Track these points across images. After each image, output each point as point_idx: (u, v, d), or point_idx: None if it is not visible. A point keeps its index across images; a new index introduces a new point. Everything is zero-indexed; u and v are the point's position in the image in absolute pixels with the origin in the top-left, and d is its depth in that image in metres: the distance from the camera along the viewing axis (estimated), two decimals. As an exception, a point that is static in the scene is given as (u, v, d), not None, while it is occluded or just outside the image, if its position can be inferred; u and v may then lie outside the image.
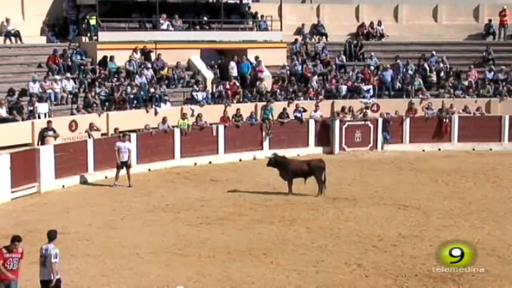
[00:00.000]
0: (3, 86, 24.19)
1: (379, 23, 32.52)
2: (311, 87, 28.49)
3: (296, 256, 15.19)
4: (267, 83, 28.25)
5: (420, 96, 28.98)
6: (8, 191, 19.75)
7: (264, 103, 26.92)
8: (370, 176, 23.21)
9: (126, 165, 21.52)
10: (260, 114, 26.59)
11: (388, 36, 32.48)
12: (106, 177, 22.54)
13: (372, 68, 29.89)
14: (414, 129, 27.57)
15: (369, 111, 27.81)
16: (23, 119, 22.82)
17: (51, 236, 12.28)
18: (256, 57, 28.64)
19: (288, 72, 28.99)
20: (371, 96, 28.61)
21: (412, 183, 22.27)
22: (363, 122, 27.28)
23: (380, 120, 27.25)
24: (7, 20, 26.66)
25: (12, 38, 26.64)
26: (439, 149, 27.60)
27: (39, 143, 22.06)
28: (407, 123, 27.66)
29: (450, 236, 16.24)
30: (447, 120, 27.71)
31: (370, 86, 28.90)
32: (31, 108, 23.23)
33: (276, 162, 20.68)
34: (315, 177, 20.37)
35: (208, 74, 28.17)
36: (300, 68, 29.40)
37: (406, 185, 21.92)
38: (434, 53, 30.80)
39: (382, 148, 27.24)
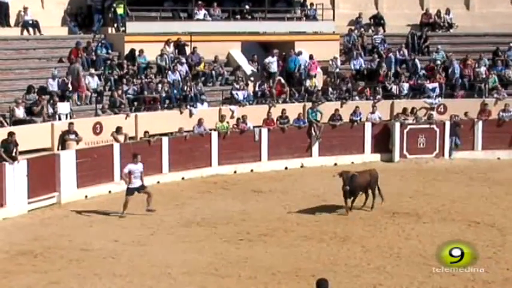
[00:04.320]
0: (19, 83, 24.59)
1: (447, 12, 32.26)
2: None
3: (350, 279, 15.14)
4: (317, 81, 28.22)
5: (495, 95, 28.66)
6: (24, 202, 20.07)
7: (315, 103, 26.92)
8: (436, 188, 23.03)
9: (141, 189, 20.16)
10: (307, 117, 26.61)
11: (457, 27, 32.21)
12: (134, 186, 22.78)
13: (439, 63, 29.65)
14: (488, 134, 27.30)
15: (434, 113, 27.59)
16: (42, 120, 23.19)
17: (322, 286, 10.32)
18: (311, 56, 28.59)
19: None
20: (437, 96, 28.38)
21: (485, 196, 22.06)
22: (427, 126, 27.10)
23: (447, 124, 27.00)
24: (25, 9, 27.10)
25: (30, 29, 27.06)
26: (517, 157, 27.34)
27: (60, 148, 22.37)
28: (479, 127, 27.38)
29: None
30: (526, 124, 27.44)
31: (436, 84, 28.67)
32: (50, 109, 23.57)
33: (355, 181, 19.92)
34: (372, 189, 20.29)
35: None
36: (357, 63, 29.33)
37: (478, 199, 21.72)
38: (512, 45, 30.52)
39: (450, 155, 26.99)
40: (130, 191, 19.92)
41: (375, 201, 20.26)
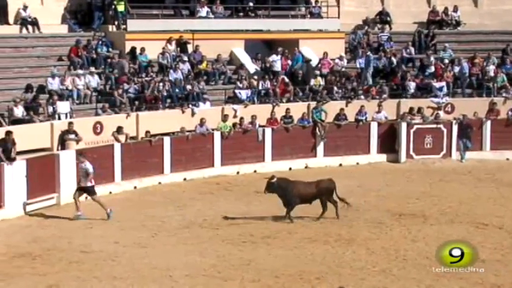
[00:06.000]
0: (18, 81, 24.64)
1: (455, 9, 32.23)
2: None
3: (355, 282, 15.11)
4: (322, 80, 28.22)
5: (504, 94, 28.62)
6: (23, 203, 20.07)
7: (320, 102, 26.91)
8: (443, 189, 23.01)
9: (87, 190, 19.92)
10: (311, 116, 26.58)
11: (465, 24, 32.17)
12: (135, 187, 22.81)
13: (446, 61, 29.64)
14: (496, 133, 27.26)
15: (441, 113, 27.57)
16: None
17: None
18: (325, 53, 28.63)
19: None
20: (444, 95, 28.36)
21: (494, 197, 22.01)
22: (434, 126, 27.07)
23: (456, 124, 26.95)
24: (24, 7, 27.11)
25: (29, 27, 27.08)
26: (527, 158, 27.31)
27: (59, 148, 22.39)
28: (487, 126, 27.35)
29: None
30: (536, 124, 27.41)
31: (444, 83, 28.65)
32: (50, 108, 23.61)
33: (279, 186, 19.60)
34: (321, 201, 19.54)
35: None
36: (363, 62, 29.28)
37: (486, 200, 21.68)
38: (521, 43, 30.47)
39: (462, 158, 26.89)
40: (77, 189, 20.02)
41: (336, 212, 19.59)
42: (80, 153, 20.20)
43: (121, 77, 25.63)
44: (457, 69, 29.25)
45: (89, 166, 19.75)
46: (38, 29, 27.21)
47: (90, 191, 19.92)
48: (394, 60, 29.37)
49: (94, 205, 20.86)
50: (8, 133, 20.34)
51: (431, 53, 29.79)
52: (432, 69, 29.23)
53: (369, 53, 29.29)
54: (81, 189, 19.96)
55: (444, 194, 22.38)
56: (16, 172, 19.91)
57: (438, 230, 18.61)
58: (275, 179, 19.61)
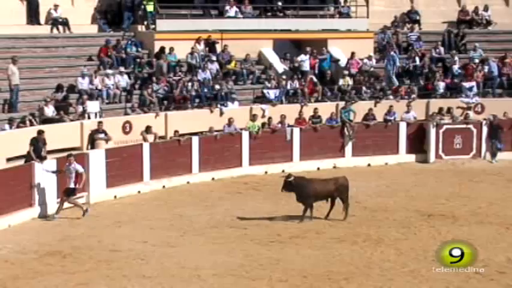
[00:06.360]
0: (49, 81, 24.86)
1: (486, 8, 32.00)
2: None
3: (383, 282, 15.09)
4: (350, 80, 28.17)
5: (535, 95, 28.46)
6: (53, 202, 20.22)
7: (349, 102, 26.86)
8: (472, 190, 22.89)
9: (69, 191, 19.82)
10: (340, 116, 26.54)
11: (496, 24, 31.93)
12: (164, 186, 22.89)
13: (476, 61, 29.45)
14: (527, 134, 27.08)
15: (471, 113, 27.41)
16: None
17: None
18: (353, 53, 28.60)
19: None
20: (474, 95, 28.19)
21: (524, 198, 21.87)
22: (464, 126, 26.91)
23: (485, 125, 26.79)
24: (55, 7, 27.35)
25: (60, 27, 27.31)
26: (558, 158, 27.05)
27: (89, 147, 22.55)
28: (518, 127, 27.19)
29: None
30: None
31: (474, 83, 28.47)
32: (80, 107, 23.79)
33: (296, 185, 19.52)
34: (341, 198, 19.65)
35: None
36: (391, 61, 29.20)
37: (516, 201, 21.55)
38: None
39: (493, 158, 26.71)
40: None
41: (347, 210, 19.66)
42: (69, 155, 20.12)
43: (159, 77, 25.77)
44: (486, 69, 29.07)
45: (79, 167, 19.82)
46: (69, 29, 27.43)
47: (70, 193, 19.84)
48: (417, 59, 29.17)
49: (123, 204, 21.02)
50: (40, 132, 20.53)
51: (455, 53, 29.60)
52: (457, 68, 29.01)
53: (392, 52, 29.11)
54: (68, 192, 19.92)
55: (474, 194, 22.26)
56: (46, 171, 20.07)
57: (468, 231, 18.51)
58: (292, 178, 19.62)
